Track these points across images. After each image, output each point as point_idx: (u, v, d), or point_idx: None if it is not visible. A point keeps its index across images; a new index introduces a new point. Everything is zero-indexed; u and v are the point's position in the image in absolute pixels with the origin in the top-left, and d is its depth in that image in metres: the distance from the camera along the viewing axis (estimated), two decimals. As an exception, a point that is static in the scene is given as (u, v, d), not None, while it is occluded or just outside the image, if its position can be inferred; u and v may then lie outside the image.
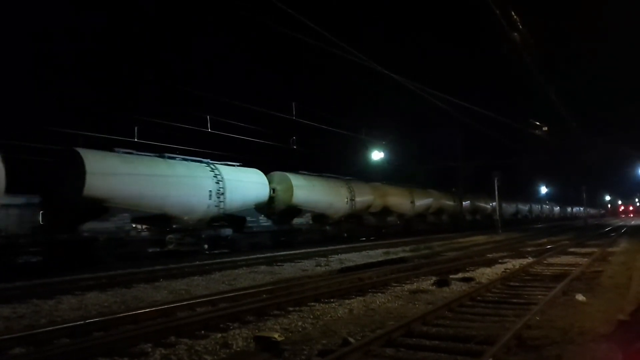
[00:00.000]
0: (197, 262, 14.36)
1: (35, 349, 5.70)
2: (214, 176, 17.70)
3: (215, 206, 17.57)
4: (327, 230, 24.20)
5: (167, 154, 17.20)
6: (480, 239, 27.38)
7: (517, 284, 10.15)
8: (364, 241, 24.25)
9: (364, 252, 18.43)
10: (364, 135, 28.99)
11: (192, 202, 16.80)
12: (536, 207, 63.96)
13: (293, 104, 21.74)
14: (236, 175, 18.91)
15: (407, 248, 19.92)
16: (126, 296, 9.30)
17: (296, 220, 21.97)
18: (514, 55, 14.69)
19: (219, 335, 6.21)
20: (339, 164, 31.80)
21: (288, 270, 13.40)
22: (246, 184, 19.13)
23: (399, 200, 30.38)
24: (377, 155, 31.45)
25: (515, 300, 8.18)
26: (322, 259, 15.99)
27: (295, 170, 22.97)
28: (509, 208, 48.45)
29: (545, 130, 27.32)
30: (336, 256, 16.98)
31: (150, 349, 5.63)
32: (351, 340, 5.59)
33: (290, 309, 7.76)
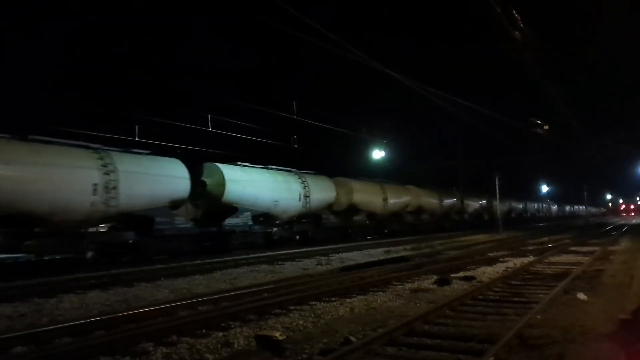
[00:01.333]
0: (198, 261, 14.34)
1: (36, 347, 5.71)
2: (102, 166, 14.07)
3: (104, 203, 14.03)
4: (272, 232, 20.64)
5: (31, 136, 13.34)
6: (481, 237, 27.43)
7: (518, 282, 10.15)
8: (364, 240, 24.22)
9: (365, 251, 18.49)
10: (364, 134, 28.96)
11: (66, 199, 13.27)
12: (531, 206, 63.47)
13: (294, 102, 21.75)
14: (139, 165, 15.38)
15: (408, 247, 20.02)
16: (127, 295, 9.31)
17: (231, 221, 18.34)
18: (514, 54, 14.66)
19: (220, 334, 6.21)
20: (339, 163, 31.75)
21: (289, 269, 13.41)
22: (154, 177, 15.57)
23: (369, 197, 26.91)
24: (377, 154, 31.37)
25: (516, 299, 8.18)
26: (323, 257, 16.05)
27: (233, 161, 19.77)
28: (502, 206, 48.12)
29: (546, 129, 27.25)
30: (337, 255, 17.05)
31: (151, 348, 5.63)
32: (352, 339, 5.59)
33: (292, 307, 7.76)
